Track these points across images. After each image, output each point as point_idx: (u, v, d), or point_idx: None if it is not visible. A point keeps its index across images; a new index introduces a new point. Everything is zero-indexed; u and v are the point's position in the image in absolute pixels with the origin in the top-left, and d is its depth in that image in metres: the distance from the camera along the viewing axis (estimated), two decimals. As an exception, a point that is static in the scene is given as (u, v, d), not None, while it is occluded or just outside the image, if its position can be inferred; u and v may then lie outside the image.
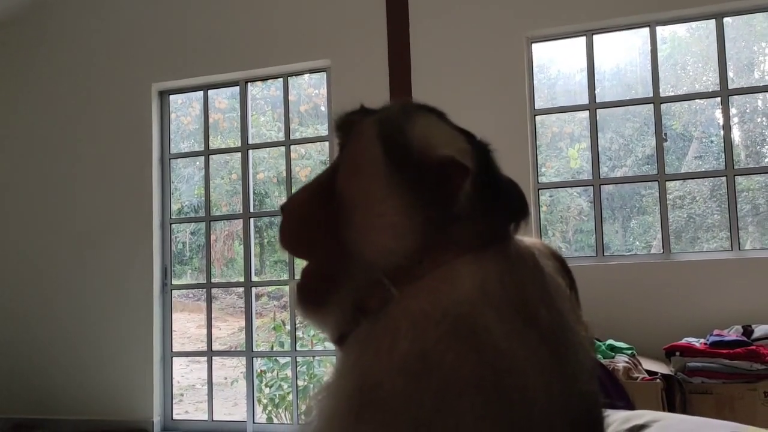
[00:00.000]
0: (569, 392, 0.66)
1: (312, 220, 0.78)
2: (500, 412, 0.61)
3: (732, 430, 0.92)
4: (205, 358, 4.96)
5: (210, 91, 5.08)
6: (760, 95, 4.90)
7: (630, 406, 2.08)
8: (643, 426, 1.01)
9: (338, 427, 0.65)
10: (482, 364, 0.62)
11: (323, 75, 4.78)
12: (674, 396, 3.10)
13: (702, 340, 3.34)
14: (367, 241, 0.72)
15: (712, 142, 5.45)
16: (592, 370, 0.72)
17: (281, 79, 4.87)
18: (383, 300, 0.70)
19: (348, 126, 0.82)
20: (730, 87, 4.02)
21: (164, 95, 5.06)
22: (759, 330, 3.35)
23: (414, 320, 0.66)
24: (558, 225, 6.19)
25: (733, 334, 3.36)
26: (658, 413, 1.07)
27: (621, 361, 3.10)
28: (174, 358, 4.97)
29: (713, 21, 4.03)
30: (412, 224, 0.71)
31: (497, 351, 0.63)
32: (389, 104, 0.81)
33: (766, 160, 5.83)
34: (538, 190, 4.24)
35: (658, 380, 3.03)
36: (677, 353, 3.27)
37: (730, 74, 4.14)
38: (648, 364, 3.23)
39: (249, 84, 4.94)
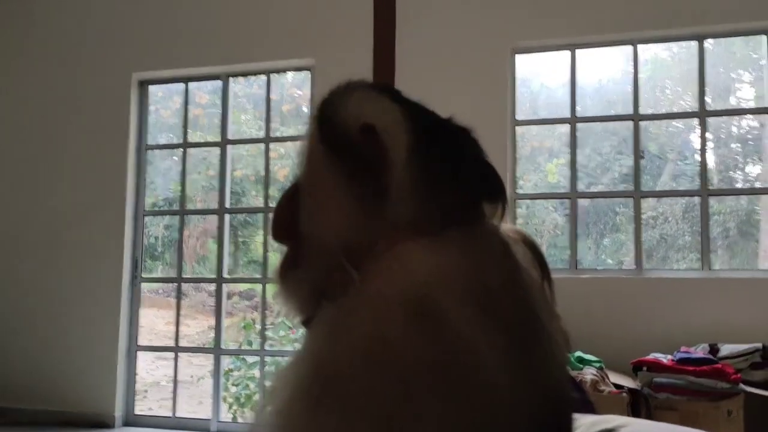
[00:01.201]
0: (533, 383, 0.64)
1: (287, 211, 0.79)
2: (464, 400, 0.60)
3: (699, 437, 0.92)
4: (172, 356, 4.89)
5: (191, 85, 5.02)
6: (735, 121, 4.99)
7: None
8: (610, 430, 1.01)
9: (297, 414, 0.62)
10: (444, 348, 0.61)
11: (306, 75, 4.76)
12: (640, 410, 3.12)
13: (669, 357, 3.37)
14: (317, 225, 0.74)
15: (687, 164, 5.52)
16: (562, 362, 0.70)
17: (264, 77, 4.83)
18: (345, 283, 0.69)
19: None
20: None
21: (144, 85, 4.99)
22: (725, 349, 3.39)
23: (372, 303, 0.64)
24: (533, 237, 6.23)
25: (699, 351, 3.40)
26: (626, 418, 1.06)
27: (589, 374, 3.12)
28: (139, 353, 4.89)
29: (695, 43, 4.09)
30: (352, 204, 0.72)
31: (458, 336, 0.61)
32: (334, 87, 0.80)
33: (738, 185, 5.92)
34: (515, 200, 4.26)
35: (624, 394, 3.05)
36: (644, 368, 3.29)
37: (708, 99, 4.20)
38: (615, 378, 3.25)
39: (231, 79, 4.89)
